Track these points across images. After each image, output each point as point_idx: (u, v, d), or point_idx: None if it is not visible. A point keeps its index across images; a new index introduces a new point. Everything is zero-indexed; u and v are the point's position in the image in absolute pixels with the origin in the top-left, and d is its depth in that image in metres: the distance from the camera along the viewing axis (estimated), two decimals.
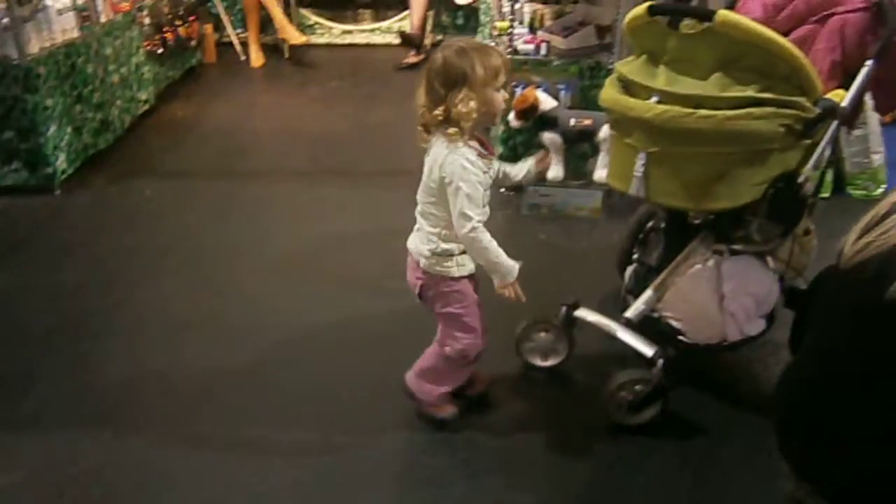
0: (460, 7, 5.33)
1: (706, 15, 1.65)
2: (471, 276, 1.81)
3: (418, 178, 1.75)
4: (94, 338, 2.35)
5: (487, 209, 1.71)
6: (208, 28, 5.29)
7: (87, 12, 3.65)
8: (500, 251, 1.70)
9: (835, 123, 1.76)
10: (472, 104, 1.61)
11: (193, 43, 4.93)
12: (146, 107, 4.24)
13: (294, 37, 5.24)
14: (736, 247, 1.96)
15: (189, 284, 2.67)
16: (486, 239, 1.68)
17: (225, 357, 2.26)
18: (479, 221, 1.66)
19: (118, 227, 3.11)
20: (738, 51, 1.66)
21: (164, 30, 4.47)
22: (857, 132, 3.09)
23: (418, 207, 1.78)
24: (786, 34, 1.96)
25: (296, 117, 4.44)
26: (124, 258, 2.85)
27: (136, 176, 3.56)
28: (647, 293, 1.97)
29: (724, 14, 1.62)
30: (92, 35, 3.65)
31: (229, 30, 5.52)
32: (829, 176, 3.05)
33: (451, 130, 1.63)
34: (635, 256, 2.26)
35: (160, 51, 4.39)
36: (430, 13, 5.47)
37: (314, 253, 2.89)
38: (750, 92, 1.66)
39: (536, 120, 3.06)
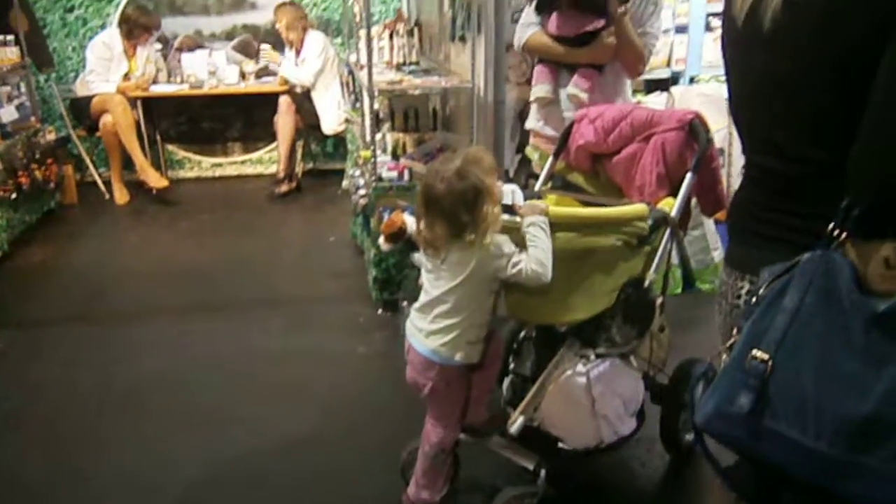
0: (327, 136, 5.50)
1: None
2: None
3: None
4: None
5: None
6: (68, 169, 5.15)
7: None
8: (542, 247, 1.72)
9: (668, 230, 1.95)
10: (496, 210, 1.70)
11: (52, 185, 4.77)
12: None
13: (155, 180, 5.12)
14: (600, 350, 2.06)
15: (49, 443, 2.46)
16: (543, 255, 1.71)
17: None
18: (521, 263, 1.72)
19: None
20: None
21: (19, 174, 4.32)
22: (695, 233, 3.40)
23: (439, 309, 1.81)
24: (617, 152, 2.19)
25: (165, 254, 4.32)
26: None
27: None
28: (524, 404, 2.00)
29: None
30: None
31: (91, 169, 5.41)
32: (678, 274, 3.31)
33: (481, 239, 1.70)
34: (511, 367, 2.33)
35: (13, 196, 4.21)
36: (300, 143, 5.61)
37: (189, 395, 2.75)
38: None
39: (405, 242, 3.14)
